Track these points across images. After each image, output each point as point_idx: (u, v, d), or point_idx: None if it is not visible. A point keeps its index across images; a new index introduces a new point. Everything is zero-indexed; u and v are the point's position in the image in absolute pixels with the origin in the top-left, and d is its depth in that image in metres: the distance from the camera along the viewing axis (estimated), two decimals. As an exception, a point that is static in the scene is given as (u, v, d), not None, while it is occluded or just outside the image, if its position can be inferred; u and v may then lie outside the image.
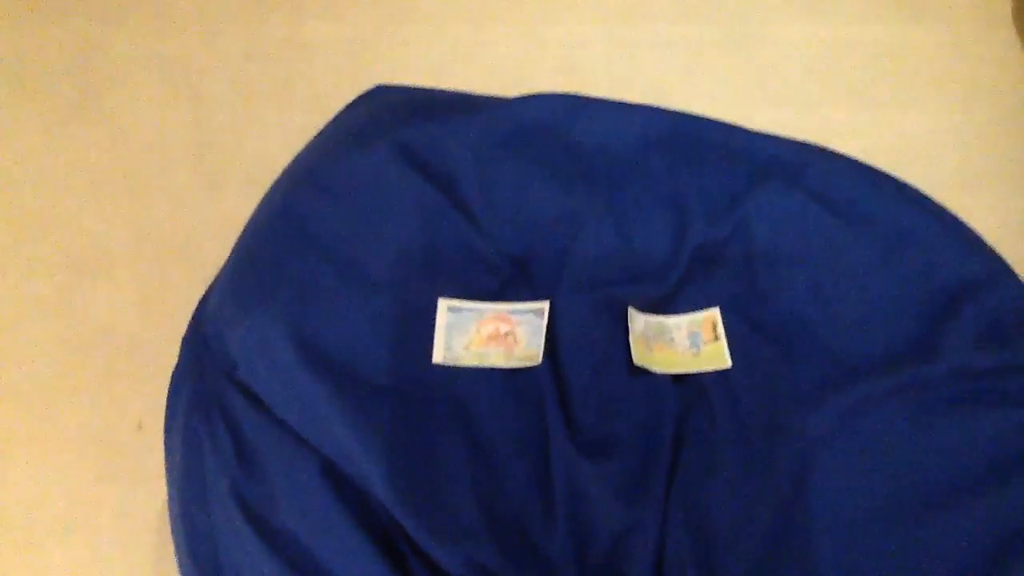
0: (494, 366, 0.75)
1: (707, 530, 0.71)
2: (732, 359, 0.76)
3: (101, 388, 0.98)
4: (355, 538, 0.66)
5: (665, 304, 0.79)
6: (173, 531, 0.74)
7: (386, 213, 0.78)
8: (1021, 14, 1.08)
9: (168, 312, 1.00)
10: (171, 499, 0.74)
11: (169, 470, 0.76)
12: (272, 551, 0.66)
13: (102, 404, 0.97)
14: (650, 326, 0.78)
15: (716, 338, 0.77)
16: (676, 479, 0.73)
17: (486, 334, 0.75)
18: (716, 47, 1.10)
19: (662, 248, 0.81)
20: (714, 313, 0.78)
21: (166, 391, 0.78)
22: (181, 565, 0.73)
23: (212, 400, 0.72)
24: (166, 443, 0.77)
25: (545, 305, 0.77)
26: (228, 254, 0.81)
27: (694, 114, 0.86)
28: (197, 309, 0.82)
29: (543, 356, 0.76)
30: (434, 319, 0.74)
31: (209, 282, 0.83)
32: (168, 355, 0.79)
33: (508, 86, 0.92)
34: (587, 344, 0.77)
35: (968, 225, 0.81)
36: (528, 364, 0.75)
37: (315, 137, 0.88)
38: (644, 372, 0.76)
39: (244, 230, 0.81)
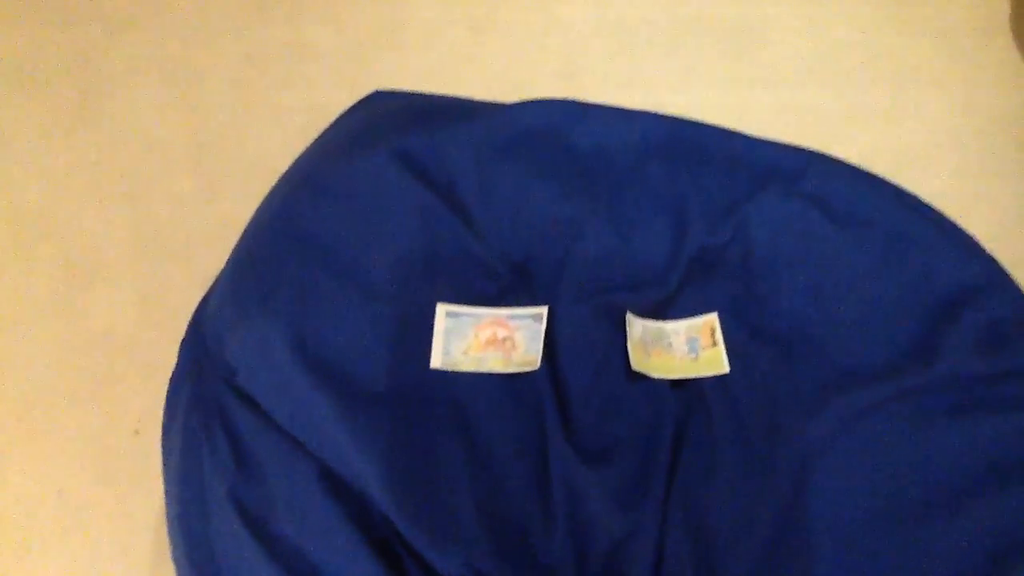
0: (492, 371, 0.75)
1: (707, 531, 0.71)
2: (731, 364, 0.76)
3: (99, 390, 0.98)
4: (353, 543, 0.66)
5: (664, 309, 0.79)
6: (170, 534, 0.73)
7: (385, 218, 0.78)
8: (1018, 20, 1.09)
9: (167, 315, 1.00)
10: (168, 502, 0.74)
11: (166, 473, 0.75)
12: (269, 555, 0.66)
13: (100, 406, 0.97)
14: (648, 331, 0.78)
15: (714, 343, 0.77)
16: (676, 480, 0.73)
17: (484, 339, 0.76)
18: (715, 54, 1.11)
19: (661, 253, 0.82)
20: (712, 319, 0.78)
21: (164, 394, 0.78)
22: (178, 568, 0.73)
23: (211, 404, 0.72)
24: (164, 445, 0.77)
25: (543, 310, 0.77)
26: (227, 257, 0.81)
27: (693, 120, 0.86)
28: (196, 311, 0.82)
29: (542, 361, 0.76)
30: (432, 324, 0.75)
31: (208, 285, 0.83)
32: (167, 358, 0.79)
33: (507, 92, 0.92)
34: (586, 349, 0.77)
35: (966, 231, 0.82)
36: (527, 369, 0.76)
37: (314, 141, 0.88)
38: (643, 377, 0.76)
39: (243, 233, 0.82)
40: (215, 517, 0.69)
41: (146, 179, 1.07)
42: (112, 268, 1.03)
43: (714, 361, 0.76)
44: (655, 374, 0.76)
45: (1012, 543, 0.67)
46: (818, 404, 0.74)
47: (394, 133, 0.82)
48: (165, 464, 0.76)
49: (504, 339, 0.76)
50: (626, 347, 0.77)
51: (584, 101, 0.85)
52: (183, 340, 0.80)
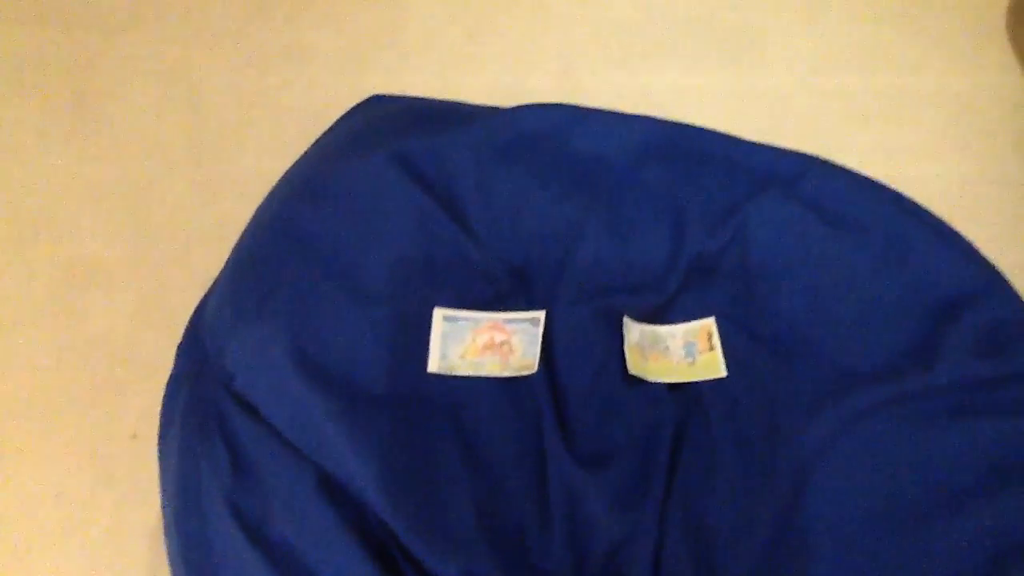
0: (490, 375, 0.75)
1: (706, 531, 0.71)
2: (729, 368, 0.76)
3: (97, 395, 0.97)
4: (350, 549, 0.66)
5: (662, 313, 0.79)
6: (167, 539, 0.73)
7: (384, 221, 0.78)
8: (1016, 26, 1.09)
9: (166, 316, 1.00)
10: (165, 506, 0.74)
11: (163, 477, 0.75)
12: (267, 561, 0.66)
13: (99, 409, 0.97)
14: (645, 336, 0.78)
15: (711, 348, 0.77)
16: (675, 481, 0.73)
17: (482, 343, 0.76)
18: (714, 59, 1.11)
19: (660, 257, 0.82)
20: (709, 323, 0.78)
21: (162, 399, 0.78)
22: (175, 571, 0.73)
23: (208, 409, 0.72)
24: (160, 450, 0.77)
25: (541, 315, 0.77)
26: (225, 261, 0.81)
27: (692, 124, 0.86)
28: (194, 315, 0.82)
29: (539, 365, 0.76)
30: (430, 328, 0.74)
31: (207, 286, 0.83)
32: (164, 362, 0.79)
33: (505, 96, 0.92)
34: (584, 353, 0.77)
35: (964, 236, 0.82)
36: (524, 373, 0.76)
37: (312, 145, 0.88)
38: (641, 381, 0.76)
39: (241, 237, 0.82)
40: (212, 521, 0.69)
41: (144, 183, 1.06)
42: (110, 270, 1.03)
43: (711, 365, 0.76)
44: (652, 378, 0.76)
45: (1012, 544, 0.67)
46: (817, 405, 0.74)
47: (393, 136, 0.82)
48: (162, 468, 0.75)
49: (501, 343, 0.76)
50: (623, 351, 0.77)
51: (583, 105, 0.85)
52: (180, 345, 0.80)
